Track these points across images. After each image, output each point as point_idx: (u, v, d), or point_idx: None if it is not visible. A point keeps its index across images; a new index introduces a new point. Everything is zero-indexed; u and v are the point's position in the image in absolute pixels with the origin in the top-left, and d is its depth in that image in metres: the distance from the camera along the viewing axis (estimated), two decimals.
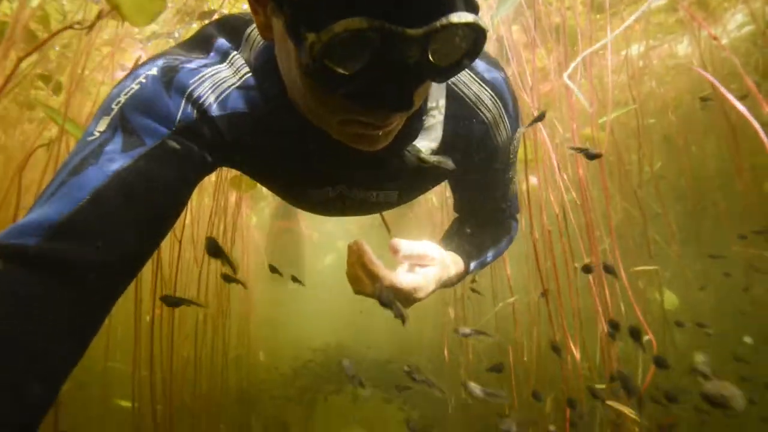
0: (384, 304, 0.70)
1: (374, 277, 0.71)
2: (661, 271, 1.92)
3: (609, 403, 0.99)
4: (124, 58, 2.16)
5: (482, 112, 0.82)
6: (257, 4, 0.59)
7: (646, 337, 1.03)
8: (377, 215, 1.22)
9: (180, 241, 1.62)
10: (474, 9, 0.51)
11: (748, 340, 1.95)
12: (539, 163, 1.49)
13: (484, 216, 1.06)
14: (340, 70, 0.51)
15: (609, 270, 1.24)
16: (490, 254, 1.04)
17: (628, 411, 0.95)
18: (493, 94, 0.81)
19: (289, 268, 1.80)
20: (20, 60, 1.10)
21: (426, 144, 0.76)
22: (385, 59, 0.50)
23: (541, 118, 1.11)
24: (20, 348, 0.46)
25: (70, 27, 1.18)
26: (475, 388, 1.13)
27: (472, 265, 0.95)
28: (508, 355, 1.68)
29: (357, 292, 0.76)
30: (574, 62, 1.23)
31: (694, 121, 2.84)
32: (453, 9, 0.49)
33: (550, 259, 1.37)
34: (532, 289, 1.88)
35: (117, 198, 0.57)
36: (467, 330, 1.21)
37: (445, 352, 2.23)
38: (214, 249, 0.72)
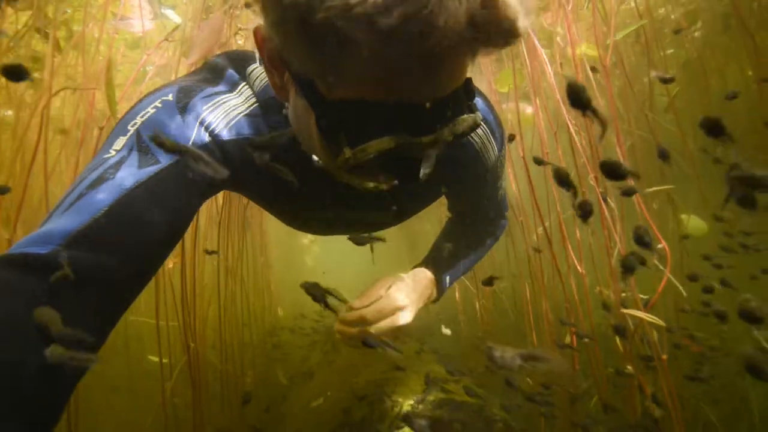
0: (370, 346, 0.83)
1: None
2: (680, 196, 1.86)
3: (625, 311, 0.97)
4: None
5: (472, 138, 0.91)
6: (273, 68, 0.64)
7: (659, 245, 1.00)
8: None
9: None
10: (471, 95, 0.59)
11: None
12: (538, 89, 1.43)
13: (474, 219, 1.17)
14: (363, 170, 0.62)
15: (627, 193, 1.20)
16: (473, 256, 1.18)
17: (646, 316, 0.94)
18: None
19: None
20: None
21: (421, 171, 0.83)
22: (399, 155, 0.58)
23: (511, 139, 1.21)
24: (33, 356, 0.45)
25: None
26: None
27: (447, 277, 1.10)
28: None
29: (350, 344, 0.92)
30: None
31: (716, 45, 2.69)
32: (466, 109, 0.58)
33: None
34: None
35: (132, 212, 0.60)
36: None
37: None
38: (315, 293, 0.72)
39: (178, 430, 1.50)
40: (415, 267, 1.12)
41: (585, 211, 0.64)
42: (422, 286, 1.05)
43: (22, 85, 1.83)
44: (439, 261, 1.12)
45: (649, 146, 1.85)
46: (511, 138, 1.22)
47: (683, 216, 1.83)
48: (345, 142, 0.57)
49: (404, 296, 0.95)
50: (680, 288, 0.92)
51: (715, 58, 2.70)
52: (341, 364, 2.11)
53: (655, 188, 1.39)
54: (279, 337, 2.42)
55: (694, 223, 1.80)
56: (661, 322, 0.92)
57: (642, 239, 0.70)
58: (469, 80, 0.58)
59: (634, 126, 1.95)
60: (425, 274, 1.07)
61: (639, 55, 2.47)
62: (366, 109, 0.54)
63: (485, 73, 2.12)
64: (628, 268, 0.86)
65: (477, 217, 1.18)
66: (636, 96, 1.99)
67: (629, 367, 1.04)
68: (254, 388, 1.98)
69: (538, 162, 1.03)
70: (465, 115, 0.59)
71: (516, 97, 1.41)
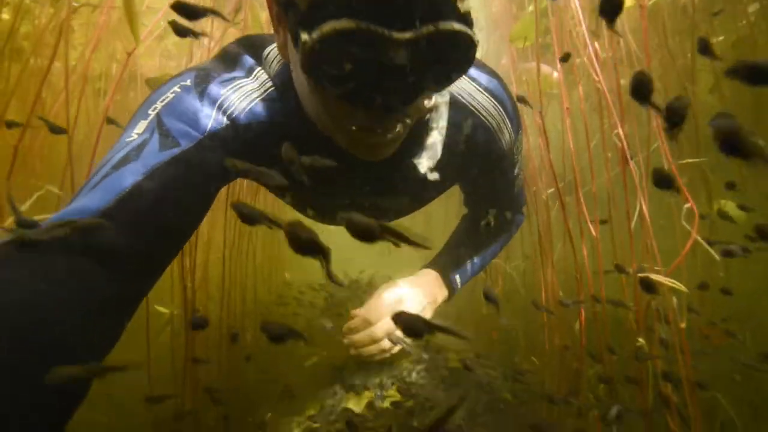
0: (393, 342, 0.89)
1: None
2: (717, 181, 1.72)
3: (642, 276, 0.89)
4: None
5: (486, 119, 0.89)
6: (279, 24, 0.66)
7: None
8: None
9: None
10: (466, 21, 0.53)
11: None
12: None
13: (489, 214, 1.14)
14: (333, 70, 0.55)
15: None
16: (485, 253, 1.17)
17: (667, 281, 0.85)
18: (495, 102, 0.89)
19: None
20: None
21: (424, 162, 0.82)
22: (373, 61, 0.52)
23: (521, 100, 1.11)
24: (57, 331, 0.47)
25: None
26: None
27: (456, 276, 1.11)
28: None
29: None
30: None
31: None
32: (442, 18, 0.50)
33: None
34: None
35: (155, 191, 0.62)
36: None
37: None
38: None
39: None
40: (423, 268, 1.13)
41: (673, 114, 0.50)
42: (428, 288, 1.06)
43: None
44: (446, 261, 1.13)
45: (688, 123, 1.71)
46: (521, 99, 1.11)
47: (722, 201, 1.70)
48: (303, 30, 0.52)
49: (405, 304, 0.99)
50: (711, 252, 0.82)
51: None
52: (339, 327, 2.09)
53: (689, 160, 1.28)
54: (285, 307, 2.41)
55: (732, 207, 1.67)
56: (683, 287, 0.83)
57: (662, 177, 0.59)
58: None
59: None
60: (430, 275, 1.09)
61: (683, 33, 2.29)
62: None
63: (499, 23, 2.00)
64: None
65: (492, 206, 1.14)
66: (678, 71, 1.86)
67: (641, 340, 0.96)
68: (254, 347, 1.98)
69: (565, 59, 0.94)
70: (456, 23, 0.51)
71: (537, 54, 1.31)
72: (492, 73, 0.91)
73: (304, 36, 0.52)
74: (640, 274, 0.86)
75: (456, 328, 0.78)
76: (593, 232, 1.02)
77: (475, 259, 1.17)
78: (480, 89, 0.88)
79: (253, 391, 1.66)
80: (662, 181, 0.57)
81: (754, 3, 2.53)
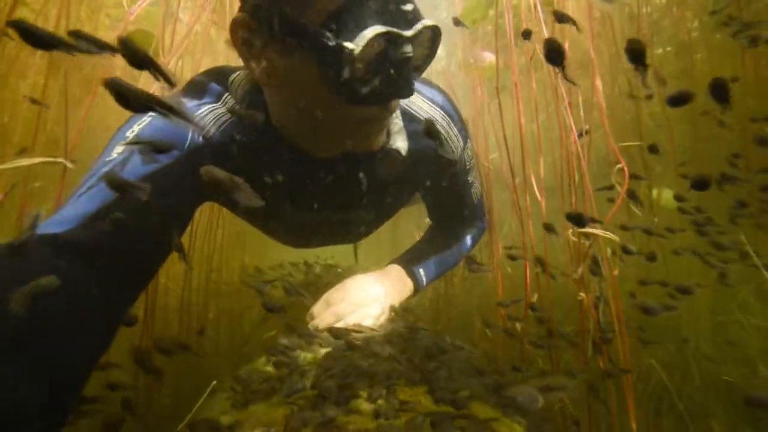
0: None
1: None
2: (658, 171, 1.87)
3: (581, 231, 0.97)
4: None
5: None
6: (252, 56, 0.72)
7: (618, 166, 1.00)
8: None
9: None
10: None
11: None
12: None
13: (450, 217, 1.26)
14: (366, 73, 0.67)
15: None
16: (449, 252, 1.24)
17: (604, 233, 0.94)
18: (441, 112, 1.01)
19: None
20: None
21: (401, 144, 0.92)
22: (392, 57, 0.67)
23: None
24: (52, 330, 0.49)
25: None
26: None
27: (421, 270, 1.15)
28: None
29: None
30: None
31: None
32: (421, 17, 0.68)
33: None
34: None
35: (139, 200, 0.63)
36: None
37: None
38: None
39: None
40: (388, 264, 1.17)
41: None
42: (391, 280, 1.10)
43: None
44: (410, 257, 1.20)
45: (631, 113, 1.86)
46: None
47: (655, 190, 1.85)
48: (346, 39, 0.63)
49: (365, 297, 1.00)
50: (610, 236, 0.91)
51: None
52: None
53: (628, 143, 1.40)
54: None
55: (667, 195, 1.82)
56: (616, 238, 0.92)
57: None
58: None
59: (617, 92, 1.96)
60: (394, 269, 1.14)
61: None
62: (354, 7, 0.62)
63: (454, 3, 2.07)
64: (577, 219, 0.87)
65: (453, 215, 1.26)
66: (624, 68, 2.01)
67: (582, 294, 1.05)
68: (215, 322, 1.97)
69: (526, 36, 1.01)
70: (429, 19, 0.68)
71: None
72: (437, 88, 1.04)
73: (349, 45, 0.63)
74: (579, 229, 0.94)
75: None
76: (539, 198, 1.10)
77: (439, 257, 1.23)
78: (426, 101, 1.01)
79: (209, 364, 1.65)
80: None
81: (694, 19, 2.78)
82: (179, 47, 1.30)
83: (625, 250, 0.99)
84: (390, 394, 0.57)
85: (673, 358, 1.59)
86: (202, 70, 0.92)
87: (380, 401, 0.55)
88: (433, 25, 0.69)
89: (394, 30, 0.64)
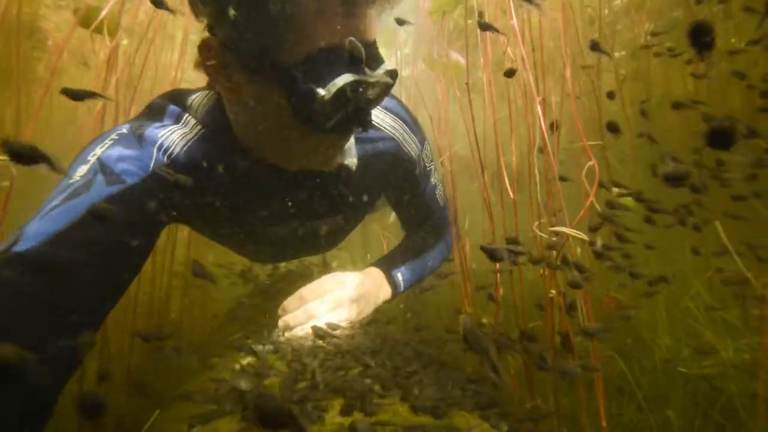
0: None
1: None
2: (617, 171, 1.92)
3: (552, 230, 0.98)
4: None
5: (389, 131, 1.06)
6: (218, 75, 0.74)
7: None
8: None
9: None
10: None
11: None
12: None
13: (419, 222, 1.29)
14: (333, 112, 0.72)
15: None
16: (424, 257, 1.25)
17: (572, 232, 0.94)
18: (396, 118, 1.07)
19: None
20: None
21: (351, 160, 0.95)
22: (357, 97, 0.73)
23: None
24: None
25: None
26: None
27: (398, 274, 1.15)
28: None
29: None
30: None
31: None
32: (383, 61, 0.75)
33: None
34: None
35: (110, 216, 0.66)
36: None
37: None
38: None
39: None
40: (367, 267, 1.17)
41: None
42: (370, 281, 1.09)
43: None
44: (388, 260, 1.20)
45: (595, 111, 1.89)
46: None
47: (615, 189, 1.90)
48: (317, 87, 0.67)
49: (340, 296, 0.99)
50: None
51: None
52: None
53: (592, 142, 1.42)
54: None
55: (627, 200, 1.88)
56: (585, 237, 0.93)
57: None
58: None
59: (581, 91, 2.00)
60: (373, 271, 1.13)
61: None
62: (328, 54, 0.66)
63: None
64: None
65: (422, 220, 1.29)
66: (587, 70, 2.06)
67: (553, 291, 1.05)
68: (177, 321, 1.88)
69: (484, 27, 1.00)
70: (388, 63, 0.76)
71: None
72: (392, 96, 1.07)
73: (320, 92, 0.67)
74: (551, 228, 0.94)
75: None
76: (511, 195, 1.10)
77: (417, 261, 1.23)
78: (381, 109, 1.06)
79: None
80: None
81: (649, 23, 2.91)
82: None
83: (595, 251, 1.00)
84: (366, 404, 0.54)
85: (632, 351, 1.64)
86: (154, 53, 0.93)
87: (356, 413, 0.52)
88: (393, 69, 0.75)
89: (363, 78, 0.69)
